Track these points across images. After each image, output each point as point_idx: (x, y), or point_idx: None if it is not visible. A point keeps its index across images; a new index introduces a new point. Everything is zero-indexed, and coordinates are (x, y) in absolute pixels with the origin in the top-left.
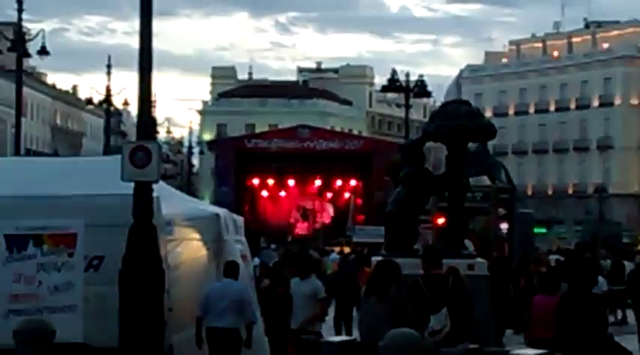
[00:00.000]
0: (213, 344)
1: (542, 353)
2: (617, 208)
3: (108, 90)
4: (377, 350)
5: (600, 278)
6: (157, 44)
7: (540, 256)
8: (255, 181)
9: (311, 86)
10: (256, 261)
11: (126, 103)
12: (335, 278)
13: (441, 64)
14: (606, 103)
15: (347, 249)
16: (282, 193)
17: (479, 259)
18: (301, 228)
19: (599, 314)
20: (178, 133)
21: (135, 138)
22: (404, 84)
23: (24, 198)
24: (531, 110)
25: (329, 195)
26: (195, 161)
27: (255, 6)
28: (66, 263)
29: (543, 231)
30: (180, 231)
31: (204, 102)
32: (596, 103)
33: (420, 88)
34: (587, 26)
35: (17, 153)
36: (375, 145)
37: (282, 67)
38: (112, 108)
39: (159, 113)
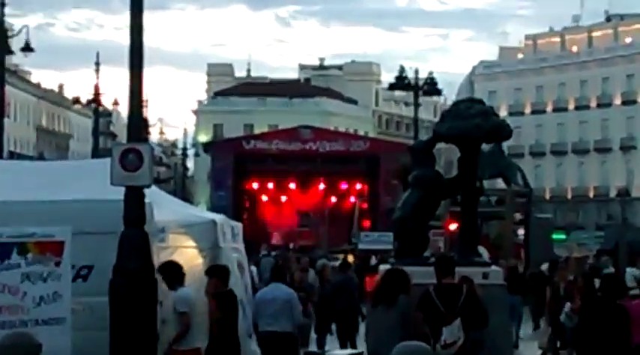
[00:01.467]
0: (268, 348)
1: None
2: None
3: (96, 88)
4: None
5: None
6: (148, 40)
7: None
8: (255, 185)
9: (313, 84)
10: (254, 269)
11: (115, 103)
12: (335, 287)
13: (452, 60)
14: (629, 101)
15: (351, 258)
16: (283, 198)
17: (494, 267)
18: (303, 235)
19: (622, 325)
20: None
21: (125, 139)
22: (413, 81)
23: (7, 203)
24: (549, 109)
25: (333, 199)
26: (190, 164)
27: None
28: (52, 272)
29: (562, 237)
30: (174, 239)
31: (200, 102)
32: (618, 101)
33: (430, 86)
34: (608, 19)
35: (0, 156)
36: (382, 147)
37: (283, 63)
38: (100, 108)
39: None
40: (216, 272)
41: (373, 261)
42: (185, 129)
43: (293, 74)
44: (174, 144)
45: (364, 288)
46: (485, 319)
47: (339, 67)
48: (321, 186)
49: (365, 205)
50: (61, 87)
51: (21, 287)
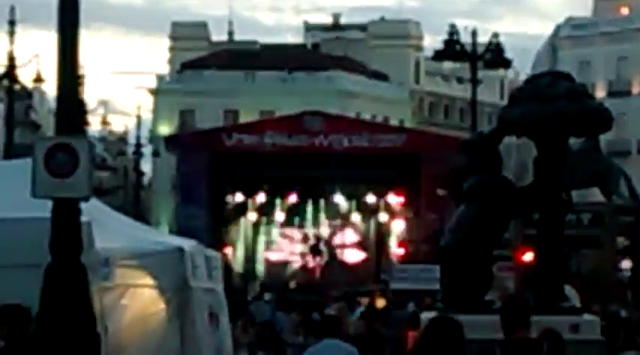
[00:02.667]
0: None
1: None
2: None
3: (11, 58)
4: None
5: None
6: None
7: None
8: (239, 198)
9: (324, 52)
10: None
11: (38, 79)
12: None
13: (525, 16)
14: None
15: (381, 302)
16: (281, 216)
17: (587, 316)
18: (311, 270)
19: None
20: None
21: (52, 131)
22: (468, 47)
23: None
24: None
25: (354, 218)
26: (147, 167)
27: None
28: None
29: None
30: (123, 275)
31: (160, 77)
32: None
33: (494, 54)
34: None
35: None
36: (425, 142)
37: (280, 22)
38: (16, 87)
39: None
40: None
41: (410, 307)
42: (139, 117)
43: (296, 37)
44: (123, 139)
45: (402, 347)
46: None
47: (362, 27)
48: (337, 199)
49: (400, 226)
50: None
51: None
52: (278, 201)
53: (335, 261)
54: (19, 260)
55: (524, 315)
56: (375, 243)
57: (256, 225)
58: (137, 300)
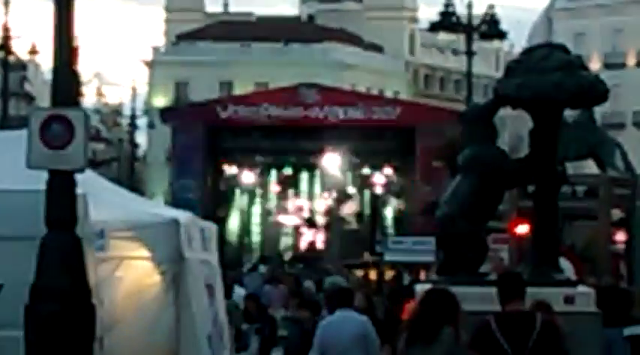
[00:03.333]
0: None
1: None
2: None
3: (5, 29)
4: None
5: None
6: None
7: None
8: (234, 170)
9: (319, 23)
10: (240, 291)
11: (33, 51)
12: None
13: None
14: None
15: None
16: (276, 188)
17: (582, 288)
18: (305, 240)
19: None
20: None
21: (47, 103)
22: (464, 19)
23: None
24: None
25: (349, 190)
26: (141, 139)
27: None
28: None
29: None
30: (118, 247)
31: (155, 49)
32: None
33: (489, 25)
34: None
35: None
36: (421, 114)
37: None
38: (10, 58)
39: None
40: None
41: (406, 279)
42: (134, 89)
43: (291, 9)
44: (117, 111)
45: (397, 319)
46: None
47: None
48: (332, 170)
49: (395, 198)
50: None
51: None
52: (273, 173)
53: (330, 233)
54: (14, 232)
55: (519, 288)
56: (371, 215)
57: (251, 197)
58: (132, 272)
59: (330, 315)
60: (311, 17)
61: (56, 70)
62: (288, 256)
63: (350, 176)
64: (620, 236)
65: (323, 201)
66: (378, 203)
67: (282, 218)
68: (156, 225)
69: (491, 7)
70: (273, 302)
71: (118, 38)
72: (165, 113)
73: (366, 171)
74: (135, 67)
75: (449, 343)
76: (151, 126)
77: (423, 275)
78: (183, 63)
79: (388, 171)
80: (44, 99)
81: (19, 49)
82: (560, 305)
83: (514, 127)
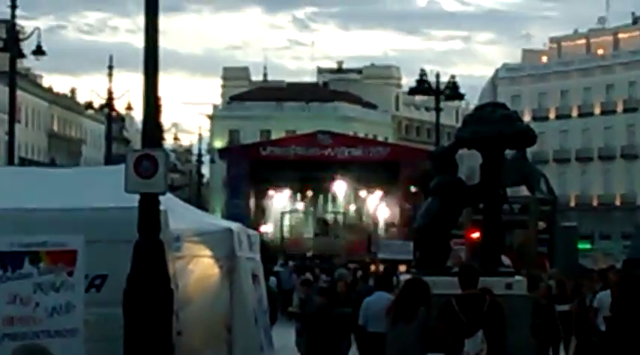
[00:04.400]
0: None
1: None
2: None
3: (109, 93)
4: None
5: None
6: (163, 43)
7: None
8: (271, 192)
9: (332, 88)
10: (273, 280)
11: (129, 108)
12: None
13: (474, 63)
14: None
15: (374, 267)
16: (300, 205)
17: (517, 277)
18: (321, 244)
19: None
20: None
21: (139, 145)
22: (434, 85)
23: (19, 211)
24: (574, 113)
25: (352, 207)
26: (205, 170)
27: (270, 0)
28: (65, 282)
29: (588, 246)
30: (189, 248)
31: (215, 106)
32: None
33: (452, 90)
34: (635, 21)
35: (10, 162)
36: (403, 153)
37: (300, 67)
38: (113, 113)
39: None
40: None
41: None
42: (200, 135)
43: (311, 78)
44: (188, 150)
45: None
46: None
47: (358, 71)
48: (340, 193)
49: (384, 213)
50: (73, 91)
51: (33, 298)
52: (298, 195)
53: (338, 238)
54: (117, 237)
55: (474, 277)
56: (367, 225)
57: (283, 213)
58: (199, 266)
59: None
60: (325, 83)
61: (145, 122)
62: (309, 254)
63: (352, 197)
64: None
65: (332, 216)
66: (372, 217)
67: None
68: (216, 232)
69: (452, 76)
70: (297, 288)
71: (189, 99)
72: (222, 152)
73: (362, 193)
74: (201, 119)
75: (423, 319)
76: (212, 161)
77: (403, 269)
78: (235, 117)
79: (379, 193)
80: (137, 143)
81: (119, 107)
82: (502, 290)
83: (469, 162)
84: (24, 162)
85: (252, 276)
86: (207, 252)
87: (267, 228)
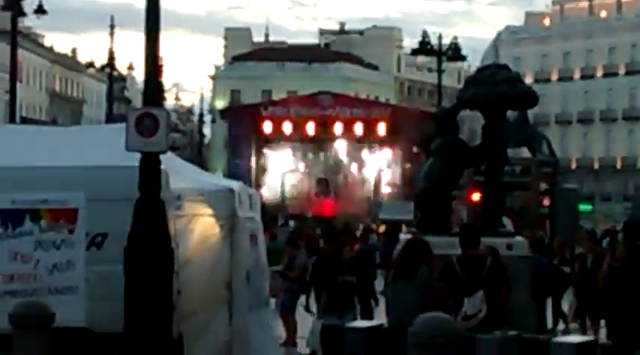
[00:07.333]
0: None
1: (587, 340)
2: None
3: (111, 52)
4: (406, 336)
5: None
6: (164, 2)
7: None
8: (272, 152)
9: (333, 49)
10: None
11: (130, 67)
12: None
13: (476, 25)
14: None
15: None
16: (301, 165)
17: (518, 238)
18: (322, 204)
19: None
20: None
21: (140, 105)
22: (436, 47)
23: (20, 169)
24: (576, 76)
25: (353, 167)
26: (207, 130)
27: None
28: (66, 240)
29: (588, 208)
30: (190, 207)
31: (217, 67)
32: None
33: (454, 51)
34: None
35: (12, 121)
36: (404, 114)
37: (302, 28)
38: (115, 73)
39: (166, 78)
40: None
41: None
42: (202, 95)
43: (313, 39)
44: (190, 111)
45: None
46: (508, 291)
47: (360, 32)
48: (341, 154)
49: (385, 174)
50: (74, 51)
51: (34, 255)
52: (299, 155)
53: (340, 199)
54: (118, 195)
55: (475, 237)
56: (368, 185)
57: (284, 173)
58: (200, 225)
59: None
60: (327, 45)
61: (146, 81)
62: (309, 215)
63: (353, 157)
64: (546, 201)
65: (334, 176)
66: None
67: (306, 187)
68: (217, 191)
69: (455, 38)
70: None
71: (191, 58)
72: (223, 112)
73: (364, 154)
74: (203, 79)
75: (424, 277)
76: (213, 121)
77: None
78: (237, 77)
79: (381, 154)
80: (138, 103)
81: (121, 67)
82: (503, 251)
83: (471, 124)
84: (25, 121)
85: (250, 236)
86: (208, 211)
87: (268, 188)
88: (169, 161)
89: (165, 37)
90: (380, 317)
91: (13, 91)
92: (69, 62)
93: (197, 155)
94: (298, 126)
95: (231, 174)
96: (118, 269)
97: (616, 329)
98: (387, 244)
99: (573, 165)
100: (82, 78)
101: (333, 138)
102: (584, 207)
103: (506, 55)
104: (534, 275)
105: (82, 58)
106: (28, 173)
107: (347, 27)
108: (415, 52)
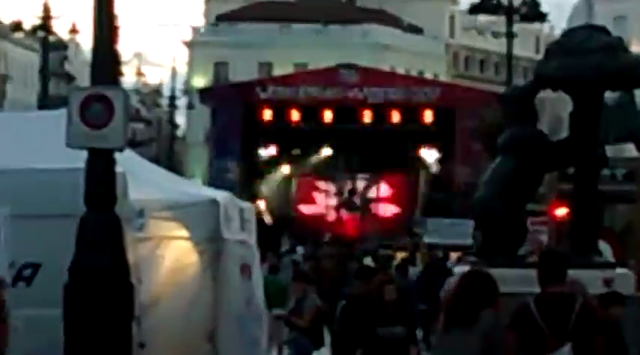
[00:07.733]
0: None
1: None
2: None
3: (45, 9)
4: None
5: None
6: None
7: None
8: (273, 150)
9: (360, 4)
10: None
11: (73, 30)
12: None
13: None
14: None
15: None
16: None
17: (621, 270)
18: (345, 223)
19: None
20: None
21: (87, 83)
22: (504, 1)
23: None
24: None
25: (388, 172)
26: (181, 119)
27: None
28: None
29: None
30: (157, 226)
31: (195, 30)
32: None
33: (530, 8)
34: None
35: None
36: (460, 96)
37: None
38: (51, 38)
39: (125, 46)
40: None
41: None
42: (174, 69)
43: None
44: (157, 91)
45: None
46: (606, 345)
47: None
48: (370, 152)
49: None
50: None
51: None
52: (312, 155)
53: (368, 214)
54: (55, 210)
55: (561, 269)
56: (408, 197)
57: (289, 178)
58: (171, 251)
59: None
60: None
61: (96, 50)
62: (326, 237)
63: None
64: None
65: (360, 183)
66: (415, 185)
67: (320, 199)
68: (195, 205)
69: None
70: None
71: (159, 18)
72: (204, 93)
73: (403, 153)
74: (175, 48)
75: (488, 326)
76: (190, 106)
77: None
78: (223, 44)
79: (427, 153)
80: (84, 79)
81: (60, 29)
82: (600, 288)
83: (554, 109)
84: None
85: (241, 267)
86: (183, 233)
87: (267, 201)
88: (129, 162)
89: None
90: None
91: None
92: None
93: (167, 153)
94: (310, 114)
95: (214, 181)
96: (54, 314)
97: None
98: (426, 273)
99: None
100: (5, 44)
101: (360, 130)
102: None
103: (603, 12)
104: None
105: (6, 18)
106: None
107: None
108: (475, 9)
